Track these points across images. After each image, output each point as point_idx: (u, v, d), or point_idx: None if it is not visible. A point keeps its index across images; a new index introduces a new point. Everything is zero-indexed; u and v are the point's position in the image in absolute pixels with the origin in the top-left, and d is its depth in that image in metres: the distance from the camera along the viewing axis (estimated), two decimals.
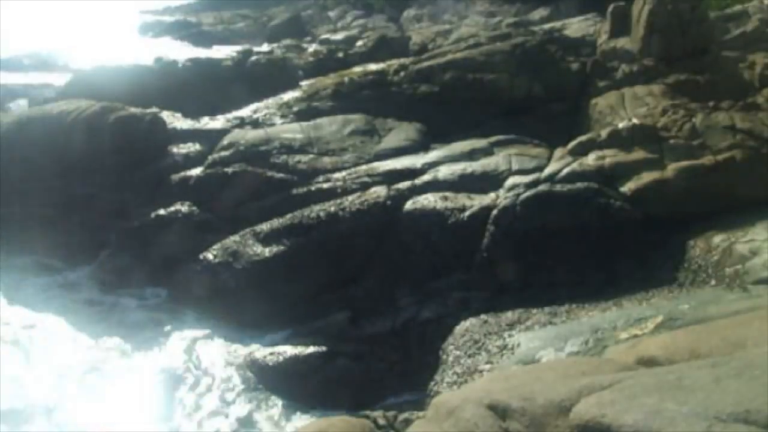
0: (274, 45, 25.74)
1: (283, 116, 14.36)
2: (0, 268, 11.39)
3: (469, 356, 7.24)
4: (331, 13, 37.92)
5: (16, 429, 7.69)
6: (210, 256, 10.59)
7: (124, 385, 8.53)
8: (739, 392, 2.81)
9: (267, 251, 10.25)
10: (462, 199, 10.03)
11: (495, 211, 9.53)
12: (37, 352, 9.35)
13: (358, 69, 16.78)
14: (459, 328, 7.92)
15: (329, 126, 13.10)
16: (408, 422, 4.65)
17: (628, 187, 9.47)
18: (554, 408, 3.25)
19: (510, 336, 7.33)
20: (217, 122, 14.30)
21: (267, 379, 8.68)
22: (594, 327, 6.85)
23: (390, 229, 10.08)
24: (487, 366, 6.83)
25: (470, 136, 12.11)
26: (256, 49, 22.49)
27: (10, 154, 13.20)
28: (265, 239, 10.46)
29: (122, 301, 10.76)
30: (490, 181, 10.38)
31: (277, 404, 8.30)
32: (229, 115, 14.65)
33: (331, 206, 10.55)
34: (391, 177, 11.01)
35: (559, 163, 10.25)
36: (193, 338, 9.66)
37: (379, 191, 10.60)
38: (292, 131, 13.01)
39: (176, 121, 14.41)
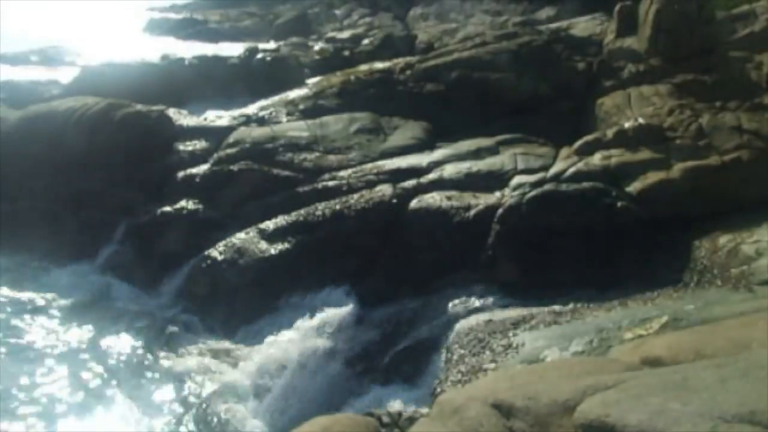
0: (281, 43, 25.77)
1: (289, 114, 14.36)
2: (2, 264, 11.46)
3: (474, 355, 7.23)
4: (337, 12, 37.92)
5: None
6: (215, 254, 10.62)
7: None
8: (743, 393, 2.81)
9: (272, 249, 10.27)
10: (467, 197, 10.03)
11: (500, 210, 9.51)
12: None
13: (364, 67, 16.76)
14: (463, 327, 7.92)
15: (335, 124, 13.10)
16: (412, 420, 4.65)
17: (633, 187, 9.43)
18: (558, 407, 3.26)
19: (514, 335, 7.32)
20: (223, 120, 14.31)
21: None
22: (599, 327, 6.85)
23: (395, 227, 10.08)
24: (492, 365, 6.82)
25: (476, 135, 12.08)
26: (261, 46, 22.51)
27: (16, 150, 13.25)
28: (271, 237, 10.47)
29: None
30: (495, 180, 10.36)
31: None
32: (235, 113, 14.65)
33: (336, 204, 10.56)
34: (396, 175, 11.01)
35: (565, 162, 10.23)
36: None
37: (385, 189, 10.60)
38: (298, 129, 13.02)
39: (182, 118, 14.43)
